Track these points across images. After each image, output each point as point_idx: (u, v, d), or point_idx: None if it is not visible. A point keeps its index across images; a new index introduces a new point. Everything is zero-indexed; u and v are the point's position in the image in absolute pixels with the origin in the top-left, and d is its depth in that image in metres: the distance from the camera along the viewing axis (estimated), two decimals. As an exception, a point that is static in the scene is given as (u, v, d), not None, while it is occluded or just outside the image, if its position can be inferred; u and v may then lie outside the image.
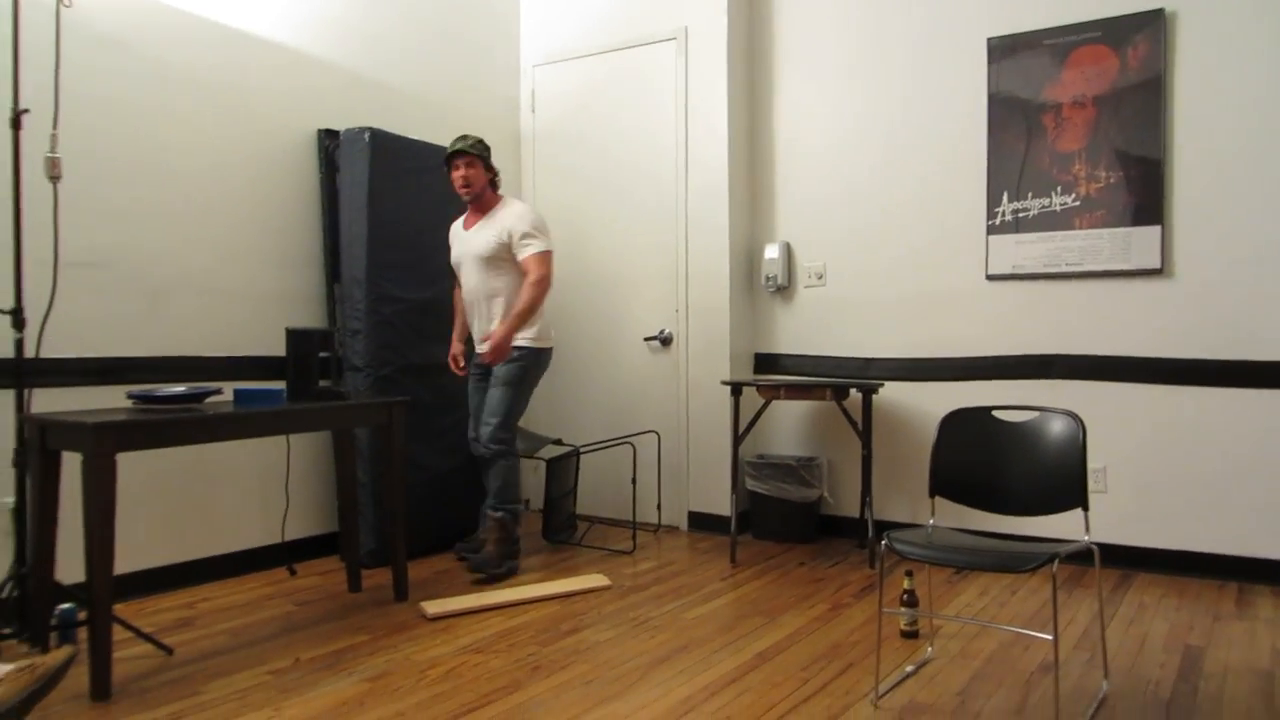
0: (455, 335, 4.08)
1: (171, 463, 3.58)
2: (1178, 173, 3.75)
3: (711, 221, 4.62)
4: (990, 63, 4.11)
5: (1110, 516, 3.87)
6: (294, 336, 3.28)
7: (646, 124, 4.79)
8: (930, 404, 4.26)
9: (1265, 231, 3.59)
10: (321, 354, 3.53)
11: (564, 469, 4.55)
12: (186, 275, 3.65)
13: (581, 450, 4.68)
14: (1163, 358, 3.79)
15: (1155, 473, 3.82)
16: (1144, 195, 3.80)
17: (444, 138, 4.56)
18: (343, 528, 3.66)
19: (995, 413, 2.79)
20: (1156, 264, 3.78)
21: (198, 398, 2.99)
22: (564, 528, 4.52)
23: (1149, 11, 3.76)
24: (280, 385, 3.31)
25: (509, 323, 3.77)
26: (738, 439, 4.28)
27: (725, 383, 4.32)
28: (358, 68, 4.32)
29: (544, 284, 3.80)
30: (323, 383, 3.56)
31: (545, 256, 3.80)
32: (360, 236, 3.97)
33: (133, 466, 3.44)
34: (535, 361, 3.89)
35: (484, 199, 3.87)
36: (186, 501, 3.65)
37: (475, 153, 3.81)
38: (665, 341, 4.78)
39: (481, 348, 3.86)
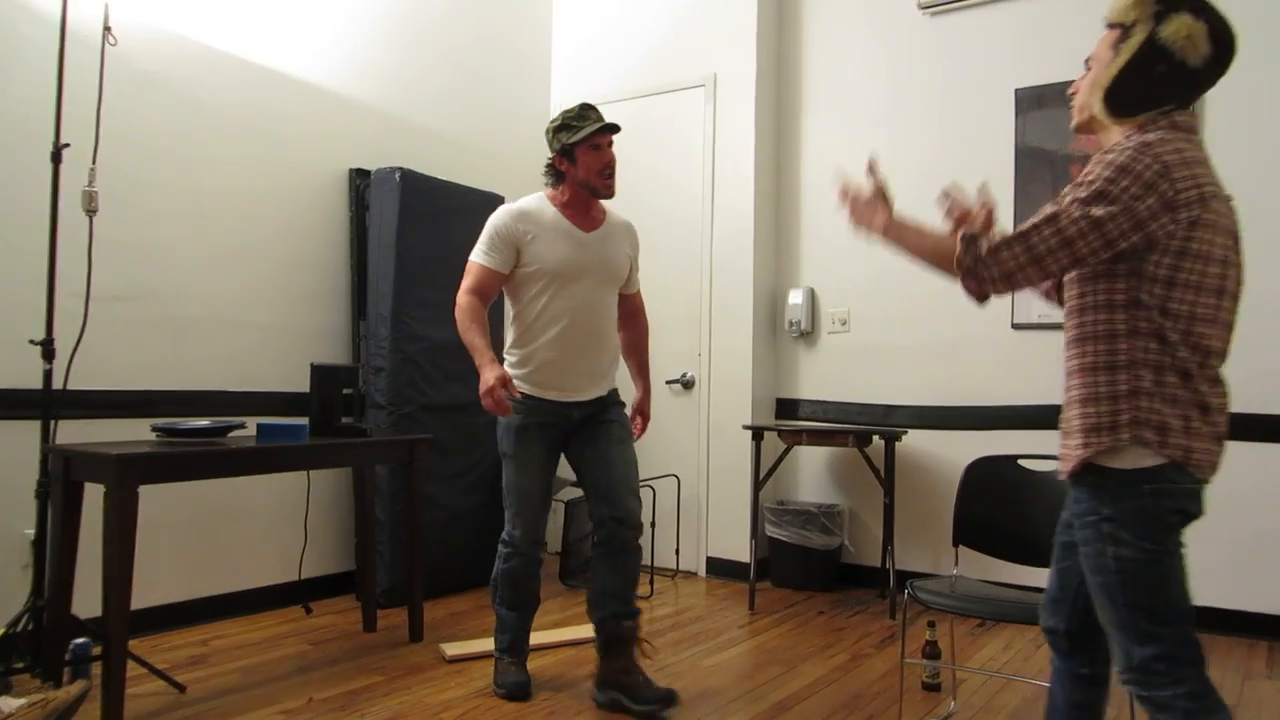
0: (489, 356, 2.70)
1: (192, 497, 3.59)
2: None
3: (736, 266, 4.63)
4: (1018, 114, 4.13)
5: (1138, 572, 3.79)
6: (319, 372, 3.30)
7: (674, 169, 4.83)
8: (954, 452, 4.21)
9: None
10: (345, 390, 3.56)
11: (583, 512, 4.52)
12: (215, 310, 3.69)
13: (601, 493, 4.64)
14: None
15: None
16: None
17: (474, 179, 4.61)
18: (359, 566, 3.65)
19: (1021, 462, 2.75)
20: (1185, 316, 3.74)
21: (221, 432, 3.01)
22: (581, 570, 4.48)
23: (1176, 64, 3.76)
24: (303, 421, 3.32)
25: (648, 380, 3.15)
26: (758, 484, 4.25)
27: (747, 427, 4.30)
28: (391, 109, 4.39)
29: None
30: (345, 419, 3.57)
31: None
32: (387, 274, 4.01)
33: (152, 500, 3.45)
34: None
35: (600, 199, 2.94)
36: (204, 537, 3.65)
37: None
38: (687, 385, 4.76)
39: (569, 394, 2.85)
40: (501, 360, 2.85)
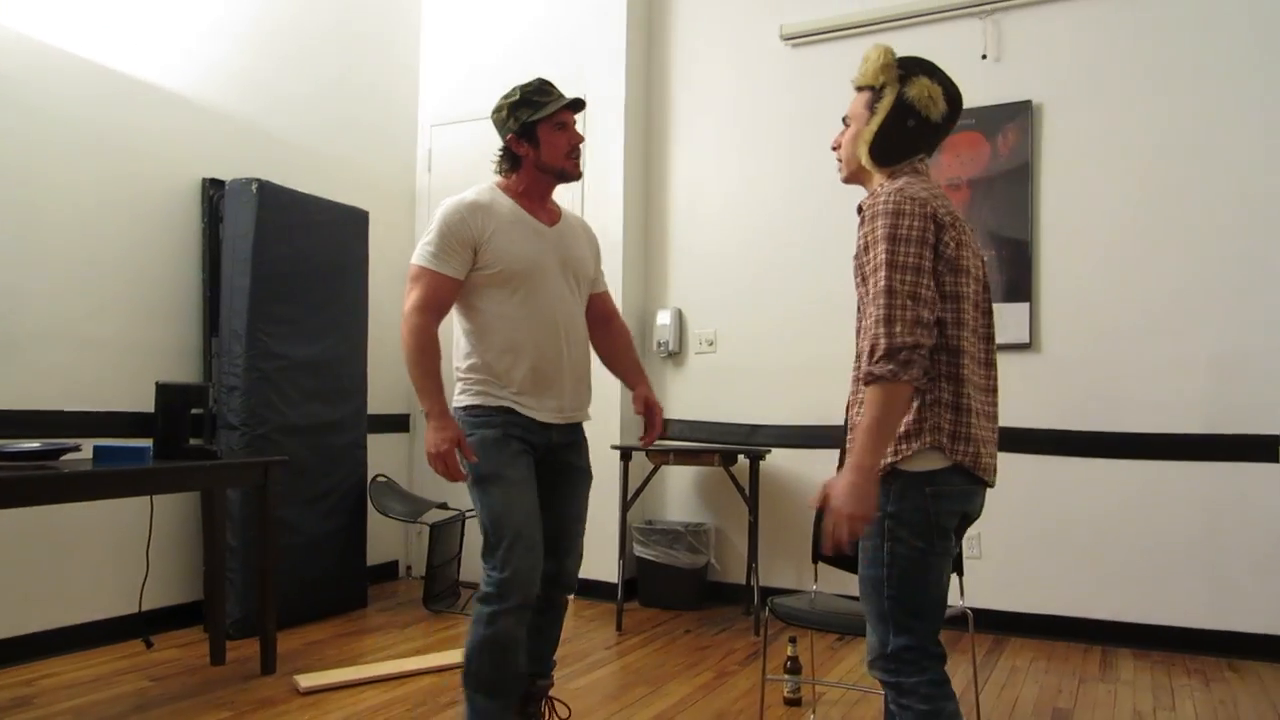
0: (441, 406, 2.30)
1: (20, 525, 3.33)
2: (1043, 253, 3.97)
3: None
4: (873, 144, 4.30)
5: (986, 582, 3.98)
6: (165, 391, 3.13)
7: (542, 188, 4.81)
8: (817, 470, 4.33)
9: (1121, 310, 3.82)
10: (194, 410, 3.38)
11: (448, 534, 4.43)
12: (52, 326, 3.45)
13: (467, 515, 4.57)
14: (1034, 428, 3.95)
15: (1027, 539, 3.95)
16: (1014, 273, 4.00)
17: (337, 193, 4.48)
18: (208, 595, 3.46)
19: (876, 479, 2.84)
20: (1026, 339, 3.97)
21: (53, 454, 2.81)
22: (446, 595, 4.38)
23: (1018, 103, 4.01)
24: (147, 443, 3.14)
25: (645, 377, 2.70)
26: (626, 504, 4.26)
27: (615, 447, 4.31)
28: (250, 117, 4.22)
29: None
30: (194, 441, 3.40)
31: None
32: (242, 289, 3.84)
33: (-25, 528, 3.19)
34: None
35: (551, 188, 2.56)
36: (33, 568, 3.39)
37: None
38: (556, 405, 4.74)
39: (552, 413, 2.42)
40: (455, 385, 2.40)
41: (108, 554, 3.62)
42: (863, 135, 1.89)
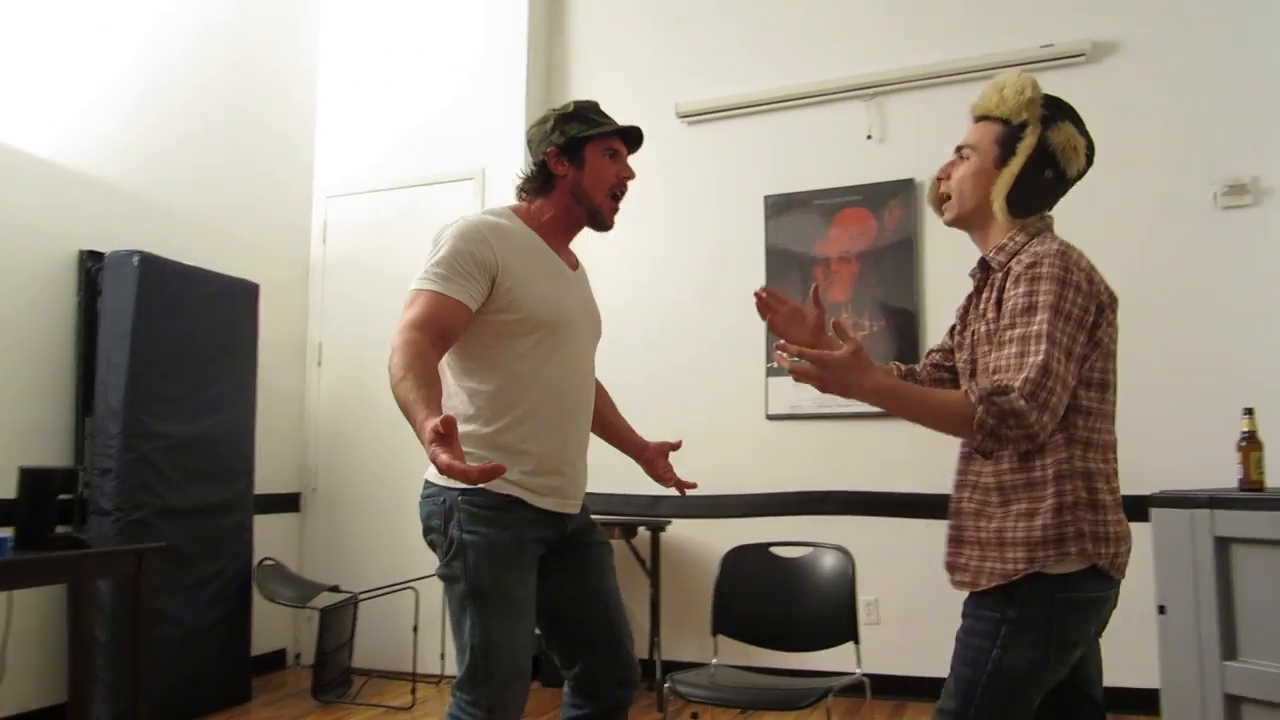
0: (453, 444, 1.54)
1: None
2: (929, 323, 4.11)
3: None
4: (768, 218, 4.42)
5: (884, 647, 4.00)
6: (28, 476, 2.95)
7: (440, 260, 4.77)
8: (717, 541, 4.29)
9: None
10: (62, 496, 3.18)
11: (339, 619, 4.25)
12: (-99, 406, 3.22)
13: (360, 597, 4.40)
14: (927, 493, 4.03)
15: (924, 604, 4.00)
16: (903, 343, 4.12)
17: (226, 265, 4.34)
18: (72, 697, 3.22)
19: (773, 549, 2.85)
20: (916, 406, 4.07)
21: (-104, 548, 2.60)
22: (337, 685, 4.18)
23: (901, 181, 4.18)
24: (6, 532, 2.93)
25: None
26: (527, 581, 4.16)
27: (515, 522, 4.22)
28: (133, 188, 4.09)
29: None
30: (61, 529, 3.19)
31: None
32: (120, 366, 3.67)
33: None
34: None
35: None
36: (-125, 671, 3.11)
37: None
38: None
39: (559, 501, 2.04)
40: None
41: (-40, 654, 3.34)
42: (1000, 178, 1.67)
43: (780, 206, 4.40)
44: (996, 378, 1.55)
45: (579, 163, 2.05)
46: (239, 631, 4.11)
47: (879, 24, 4.34)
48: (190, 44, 4.40)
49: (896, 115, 4.26)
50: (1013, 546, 1.59)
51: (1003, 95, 1.69)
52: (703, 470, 4.37)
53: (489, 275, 1.90)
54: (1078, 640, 1.60)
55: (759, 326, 4.38)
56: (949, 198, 1.76)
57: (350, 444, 4.86)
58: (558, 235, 2.11)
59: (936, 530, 4.07)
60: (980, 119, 1.74)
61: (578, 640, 2.05)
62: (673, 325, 4.57)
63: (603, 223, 2.14)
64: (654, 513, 4.46)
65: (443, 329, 1.84)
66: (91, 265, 3.85)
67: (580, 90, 4.91)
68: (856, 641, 2.61)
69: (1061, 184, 1.69)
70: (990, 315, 1.64)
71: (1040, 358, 1.50)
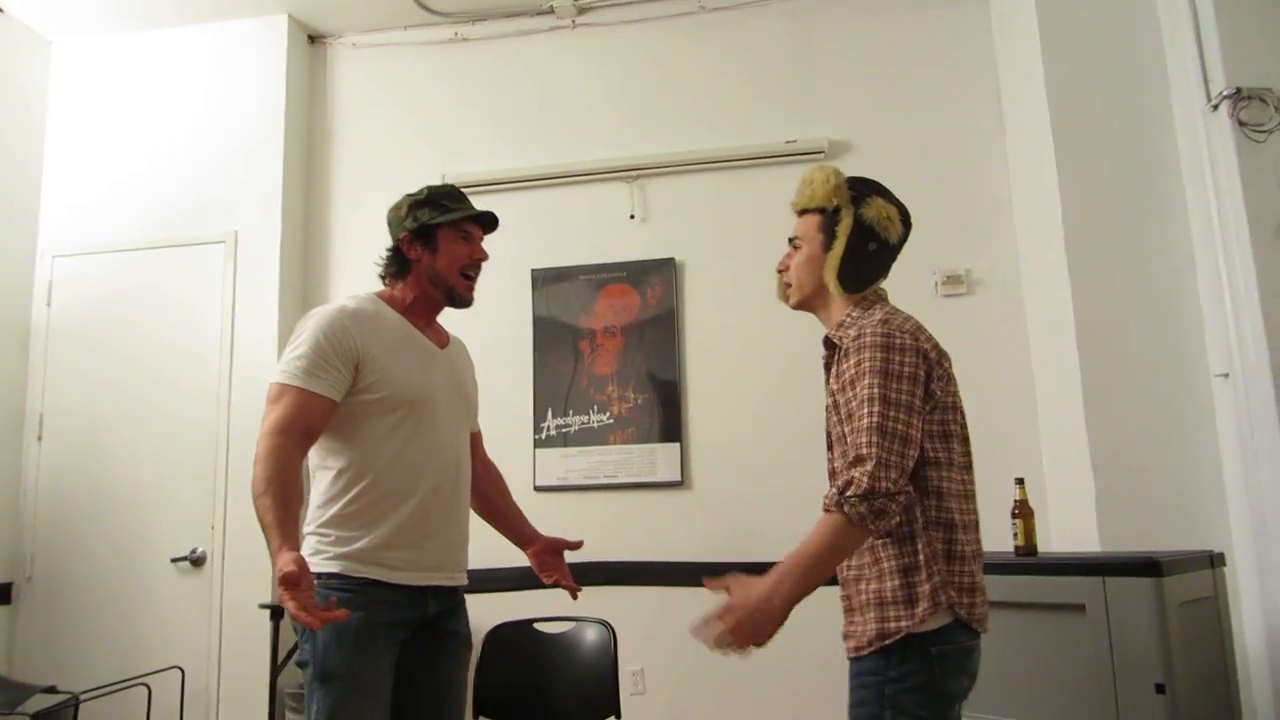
0: (289, 544, 1.78)
1: None
2: (690, 394, 4.29)
3: (250, 433, 4.34)
4: (534, 289, 4.47)
5: (650, 716, 4.04)
6: None
7: (187, 328, 4.45)
8: (480, 616, 4.21)
9: (761, 447, 4.18)
10: None
11: (56, 725, 3.77)
12: None
13: (82, 698, 3.93)
14: (689, 561, 4.15)
15: (690, 671, 4.08)
16: (665, 415, 4.27)
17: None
18: None
19: (536, 625, 2.83)
20: (678, 476, 4.21)
21: None
22: (50, 800, 3.69)
23: (662, 259, 4.37)
24: None
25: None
26: (277, 668, 3.89)
27: (264, 606, 3.95)
28: None
29: None
30: None
31: None
32: None
33: None
34: None
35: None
36: None
37: None
38: (197, 562, 4.28)
39: (428, 573, 2.12)
40: (305, 545, 1.99)
41: None
42: (828, 261, 1.80)
43: (549, 279, 4.47)
44: (838, 476, 1.64)
45: (432, 247, 2.17)
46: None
47: (641, 113, 4.55)
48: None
49: (657, 197, 4.47)
50: (893, 605, 1.64)
51: (813, 189, 1.85)
52: (472, 545, 4.31)
53: (352, 363, 1.99)
54: (956, 692, 1.65)
55: (527, 395, 4.39)
56: (789, 285, 1.90)
57: (74, 526, 4.38)
58: (421, 316, 2.21)
59: (699, 596, 4.19)
60: (802, 212, 1.89)
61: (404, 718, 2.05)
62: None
63: (460, 301, 2.24)
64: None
65: (307, 427, 1.94)
66: None
67: (343, 156, 4.80)
68: (618, 716, 2.63)
69: (887, 251, 1.83)
70: (835, 388, 1.75)
71: (874, 419, 1.60)
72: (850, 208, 1.81)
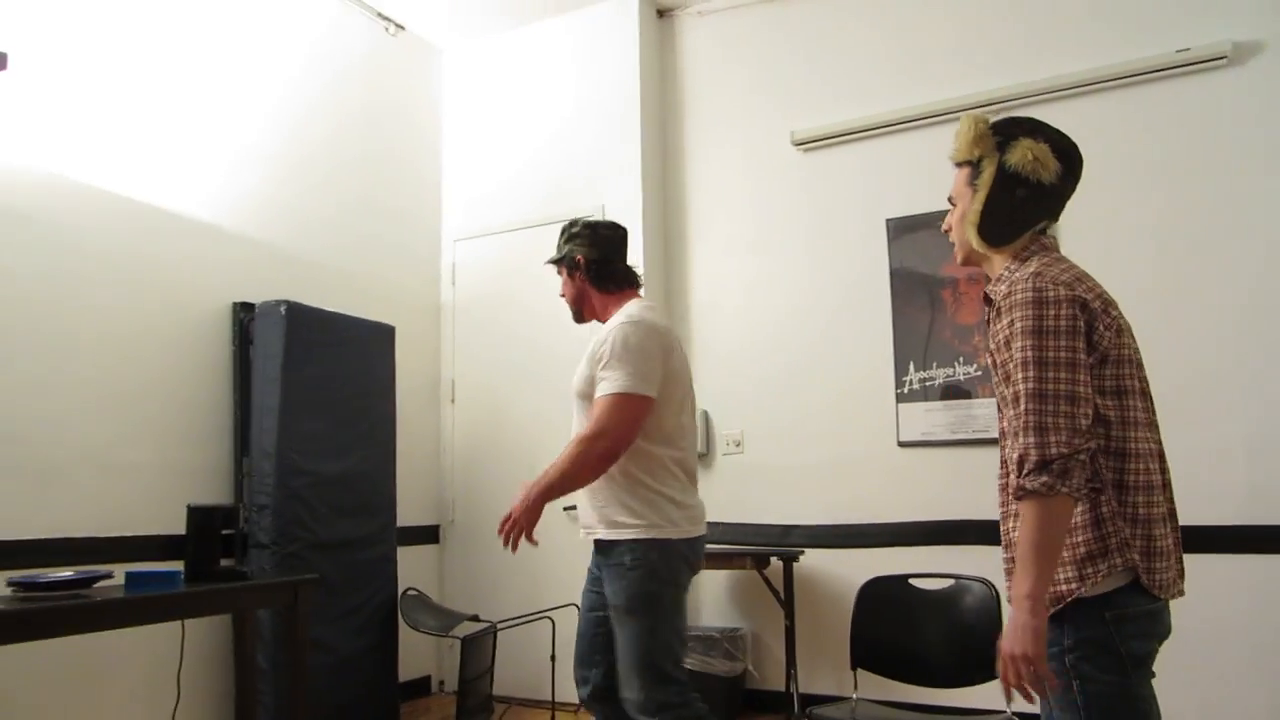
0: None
1: (50, 654, 3.31)
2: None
3: (630, 391, 4.66)
4: (890, 240, 4.35)
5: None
6: (195, 514, 3.16)
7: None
8: (851, 571, 4.23)
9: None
10: (225, 531, 3.39)
11: (480, 647, 4.36)
12: (84, 450, 3.50)
13: (499, 626, 4.51)
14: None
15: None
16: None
17: (364, 309, 4.56)
18: (239, 721, 3.41)
19: (912, 581, 2.79)
20: (1057, 429, 3.91)
21: (85, 583, 2.82)
22: (479, 710, 4.28)
23: (1030, 196, 4.05)
24: (177, 566, 3.15)
25: (537, 485, 2.54)
26: (660, 611, 4.18)
27: (646, 553, 4.25)
28: (276, 240, 4.35)
29: (601, 440, 2.46)
30: (225, 562, 3.40)
31: (618, 401, 2.49)
32: (272, 409, 3.90)
33: (5, 660, 3.18)
34: (655, 564, 2.46)
35: (583, 313, 2.94)
36: (62, 699, 3.36)
37: (560, 259, 2.84)
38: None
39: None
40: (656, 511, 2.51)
41: (139, 681, 3.59)
42: (968, 216, 1.75)
43: (903, 229, 4.33)
44: (1009, 454, 1.61)
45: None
46: (387, 659, 4.27)
47: (999, 37, 4.24)
48: (320, 96, 4.67)
49: (1023, 130, 4.14)
50: (1061, 568, 1.57)
51: (956, 143, 1.79)
52: (835, 500, 4.34)
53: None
54: (1142, 656, 1.56)
55: (888, 351, 4.30)
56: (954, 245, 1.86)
57: (484, 477, 5.00)
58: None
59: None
60: (957, 167, 1.83)
61: None
62: (798, 352, 4.54)
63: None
64: (786, 542, 4.42)
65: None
66: (244, 316, 4.10)
67: (695, 122, 4.96)
68: (1004, 677, 2.53)
69: (1042, 193, 1.72)
70: (992, 348, 1.69)
71: (1030, 384, 1.54)
72: (994, 155, 1.72)
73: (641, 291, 2.86)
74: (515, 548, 2.45)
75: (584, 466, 2.47)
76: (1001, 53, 4.22)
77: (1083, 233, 3.97)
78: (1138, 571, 1.55)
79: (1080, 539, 1.57)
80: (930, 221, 4.22)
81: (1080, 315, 1.57)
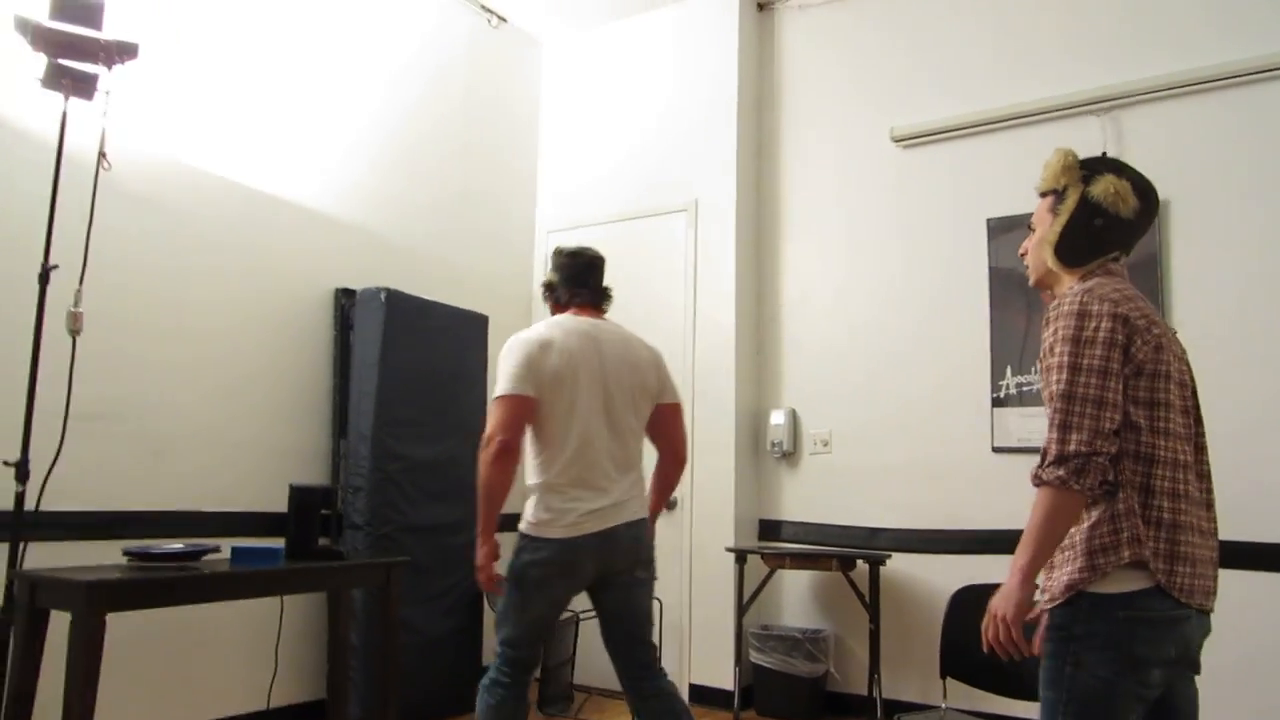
0: None
1: (159, 622, 3.47)
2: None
3: (718, 388, 4.66)
4: (990, 240, 4.25)
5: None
6: (297, 493, 3.26)
7: (656, 292, 4.91)
8: (940, 577, 4.16)
9: (1259, 408, 3.61)
10: (323, 511, 3.51)
11: (562, 636, 4.42)
12: (193, 428, 3.66)
13: (581, 617, 4.55)
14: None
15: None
16: (1146, 372, 3.84)
17: (459, 298, 4.66)
18: (330, 695, 3.53)
19: (1007, 591, 2.72)
20: (1162, 440, 3.77)
21: (195, 555, 2.95)
22: (560, 698, 4.34)
23: (1141, 197, 3.90)
24: (278, 543, 3.26)
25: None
26: (742, 609, 4.17)
27: (730, 550, 4.25)
28: (378, 228, 4.47)
29: (484, 451, 2.74)
30: (322, 541, 3.51)
31: (497, 403, 2.75)
32: (369, 393, 4.01)
33: (117, 625, 3.34)
34: (524, 556, 2.94)
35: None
36: (169, 664, 3.52)
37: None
38: (670, 506, 4.73)
39: None
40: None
41: (241, 652, 3.74)
42: (1047, 238, 1.88)
43: (1003, 228, 4.22)
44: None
45: None
46: (471, 642, 4.35)
47: (1110, 32, 4.09)
48: (424, 88, 4.78)
49: (1134, 130, 3.99)
50: (1075, 557, 1.68)
51: (1045, 173, 1.93)
52: (924, 502, 4.27)
53: None
54: (1151, 660, 1.62)
55: (985, 354, 4.20)
56: (1028, 268, 2.00)
57: (570, 467, 5.05)
58: None
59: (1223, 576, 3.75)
60: (1041, 196, 1.96)
61: None
62: (890, 353, 4.47)
63: None
64: (872, 545, 4.36)
65: None
66: (345, 301, 4.23)
67: (792, 118, 4.92)
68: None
69: (1118, 226, 1.82)
70: (1041, 354, 1.80)
71: (1061, 386, 1.66)
72: (1079, 186, 1.85)
73: (606, 309, 3.20)
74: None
75: (482, 481, 2.82)
76: (1113, 49, 4.07)
77: (1211, 232, 3.81)
78: (1151, 570, 1.62)
79: (1096, 533, 1.66)
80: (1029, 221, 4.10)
81: (1120, 329, 1.68)
